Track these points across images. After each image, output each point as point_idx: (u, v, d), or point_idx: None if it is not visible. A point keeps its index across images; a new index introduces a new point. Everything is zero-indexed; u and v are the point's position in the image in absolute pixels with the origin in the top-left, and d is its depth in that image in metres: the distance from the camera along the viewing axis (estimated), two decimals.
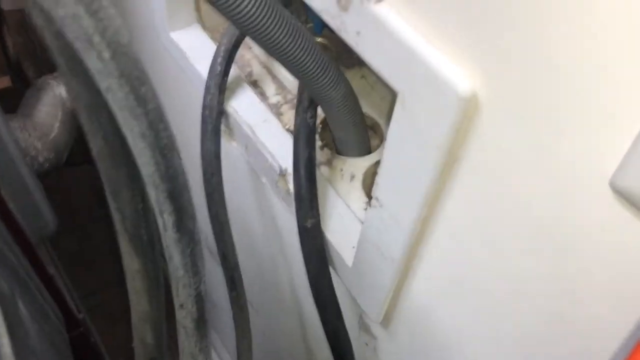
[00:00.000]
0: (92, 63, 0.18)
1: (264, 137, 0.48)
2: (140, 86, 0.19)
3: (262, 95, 0.51)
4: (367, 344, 0.48)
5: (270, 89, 0.52)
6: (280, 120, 0.50)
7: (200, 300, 0.27)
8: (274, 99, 0.52)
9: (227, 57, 0.48)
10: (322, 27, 0.49)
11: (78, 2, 0.17)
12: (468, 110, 0.25)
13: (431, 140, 0.27)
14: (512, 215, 0.27)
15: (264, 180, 0.49)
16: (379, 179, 0.33)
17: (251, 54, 0.54)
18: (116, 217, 0.26)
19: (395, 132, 0.30)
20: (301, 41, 0.36)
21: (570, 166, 0.23)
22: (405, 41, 0.26)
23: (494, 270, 0.30)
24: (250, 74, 0.53)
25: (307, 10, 0.48)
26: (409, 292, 0.39)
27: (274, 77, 0.53)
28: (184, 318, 0.28)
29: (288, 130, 0.49)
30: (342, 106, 0.42)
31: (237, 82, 0.51)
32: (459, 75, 0.25)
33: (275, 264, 0.57)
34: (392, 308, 0.41)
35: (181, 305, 0.27)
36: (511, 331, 0.31)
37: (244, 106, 0.50)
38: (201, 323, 0.28)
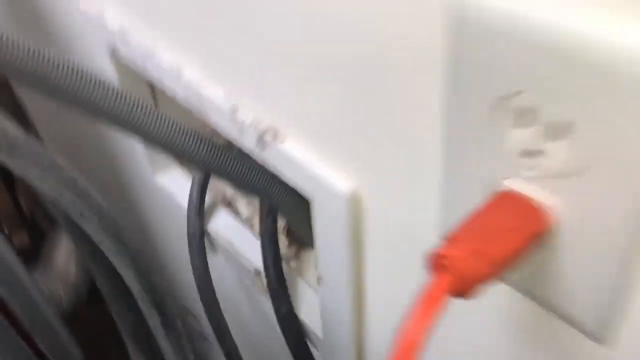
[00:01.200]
0: (88, 228, 0.29)
1: (240, 247, 0.58)
2: (119, 232, 0.30)
3: (236, 212, 0.62)
4: None
5: (242, 205, 0.63)
6: (253, 230, 0.60)
7: None
8: (246, 212, 0.63)
9: (200, 188, 0.60)
10: None
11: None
12: (356, 208, 0.36)
13: (338, 232, 0.38)
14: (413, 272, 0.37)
15: (246, 282, 0.59)
16: (318, 263, 0.43)
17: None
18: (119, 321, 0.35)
19: (317, 228, 0.40)
20: (250, 172, 0.48)
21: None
22: (307, 166, 0.37)
23: None
24: (224, 197, 0.64)
25: None
26: (370, 346, 0.47)
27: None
28: None
29: (259, 237, 0.59)
30: (294, 210, 0.53)
31: (214, 205, 0.62)
32: (345, 183, 0.36)
33: (270, 348, 0.66)
34: None
35: None
36: None
37: (222, 225, 0.61)
38: None
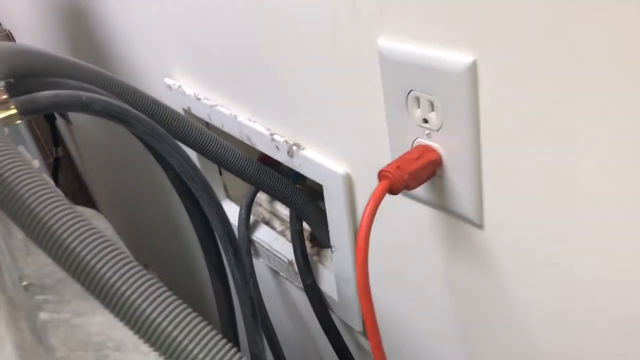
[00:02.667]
0: (193, 189, 0.52)
1: (277, 248, 0.80)
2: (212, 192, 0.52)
3: (272, 227, 0.84)
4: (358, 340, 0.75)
5: (276, 223, 0.86)
6: (285, 237, 0.82)
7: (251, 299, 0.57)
8: (279, 228, 0.85)
9: (247, 207, 0.82)
10: (297, 178, 0.84)
11: None
12: (349, 185, 0.58)
13: (340, 205, 0.60)
14: None
15: (282, 274, 0.80)
16: (331, 237, 0.65)
17: (262, 207, 0.89)
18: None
19: (327, 206, 0.62)
20: (285, 186, 0.70)
21: None
22: (322, 165, 0.59)
23: None
24: (263, 217, 0.87)
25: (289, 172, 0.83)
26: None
27: (277, 216, 0.86)
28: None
29: (289, 241, 0.81)
30: (314, 215, 0.75)
31: (256, 223, 0.85)
32: (341, 170, 0.58)
33: (298, 332, 0.86)
34: None
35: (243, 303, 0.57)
36: None
37: (262, 235, 0.83)
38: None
